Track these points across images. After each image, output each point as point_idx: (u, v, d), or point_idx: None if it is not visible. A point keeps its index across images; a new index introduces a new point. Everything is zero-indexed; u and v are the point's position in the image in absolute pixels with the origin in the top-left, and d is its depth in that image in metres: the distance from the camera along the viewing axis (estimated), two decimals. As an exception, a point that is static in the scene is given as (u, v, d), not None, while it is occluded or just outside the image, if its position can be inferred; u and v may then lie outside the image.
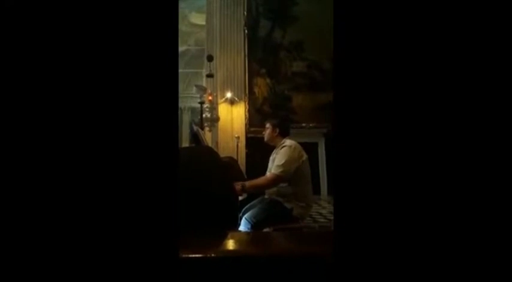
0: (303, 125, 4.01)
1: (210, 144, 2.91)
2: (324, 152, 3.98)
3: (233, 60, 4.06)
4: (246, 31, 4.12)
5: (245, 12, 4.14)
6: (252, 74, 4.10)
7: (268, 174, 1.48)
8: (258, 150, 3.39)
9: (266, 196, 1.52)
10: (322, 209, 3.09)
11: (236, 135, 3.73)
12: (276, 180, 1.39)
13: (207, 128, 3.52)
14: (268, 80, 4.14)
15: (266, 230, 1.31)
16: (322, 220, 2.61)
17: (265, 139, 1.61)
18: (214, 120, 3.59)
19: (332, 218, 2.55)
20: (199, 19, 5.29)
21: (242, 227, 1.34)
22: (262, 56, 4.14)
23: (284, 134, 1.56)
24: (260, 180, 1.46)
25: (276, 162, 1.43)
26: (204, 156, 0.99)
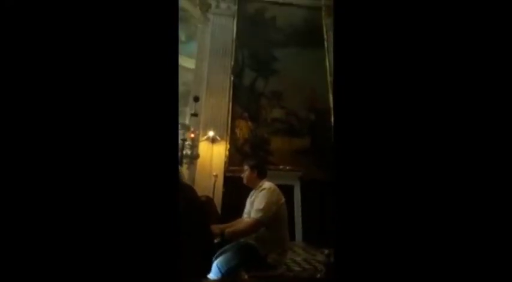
0: (280, 167, 4.15)
1: (186, 180, 2.84)
2: (299, 195, 4.02)
3: (218, 102, 4.31)
4: (232, 78, 4.50)
5: (232, 62, 4.59)
6: (235, 117, 4.33)
7: (247, 219, 1.41)
8: (235, 189, 3.36)
9: (242, 239, 1.43)
10: (297, 256, 2.95)
11: (214, 174, 3.70)
12: (258, 225, 1.33)
13: (185, 165, 3.48)
14: (249, 123, 4.37)
15: (244, 276, 1.22)
16: (297, 268, 2.49)
17: (245, 181, 1.58)
18: (194, 157, 3.59)
19: (307, 266, 2.39)
20: (188, 62, 5.68)
21: (212, 275, 1.24)
22: (246, 101, 4.46)
23: (262, 175, 1.57)
24: (240, 226, 1.38)
25: (255, 206, 1.38)
26: (182, 195, 0.88)
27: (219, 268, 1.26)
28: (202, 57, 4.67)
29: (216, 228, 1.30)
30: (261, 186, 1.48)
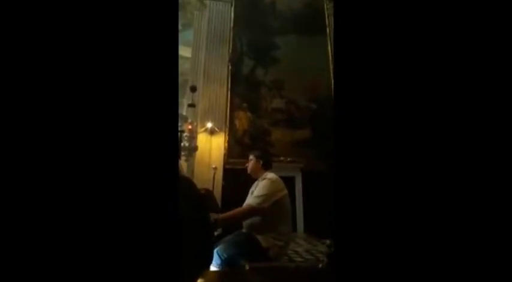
0: (281, 158, 4.08)
1: (184, 173, 2.79)
2: (300, 186, 4.01)
3: (216, 92, 4.17)
4: (230, 67, 4.35)
5: (230, 50, 4.42)
6: (234, 107, 4.21)
7: (244, 205, 1.42)
8: (235, 182, 3.32)
9: (244, 230, 1.43)
10: (299, 247, 2.98)
11: (213, 166, 3.65)
12: (251, 211, 1.33)
13: (183, 158, 3.42)
14: (249, 114, 4.26)
15: (246, 267, 1.21)
16: (298, 259, 2.50)
17: (249, 171, 1.58)
18: (193, 149, 3.52)
19: (309, 257, 2.42)
20: (185, 52, 5.51)
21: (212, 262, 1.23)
22: (244, 91, 4.32)
23: (267, 166, 1.55)
24: (233, 211, 1.36)
25: (254, 193, 1.39)
26: (182, 188, 0.93)
27: (219, 255, 1.27)
28: (199, 46, 4.50)
29: (212, 215, 1.28)
30: (264, 177, 1.47)
